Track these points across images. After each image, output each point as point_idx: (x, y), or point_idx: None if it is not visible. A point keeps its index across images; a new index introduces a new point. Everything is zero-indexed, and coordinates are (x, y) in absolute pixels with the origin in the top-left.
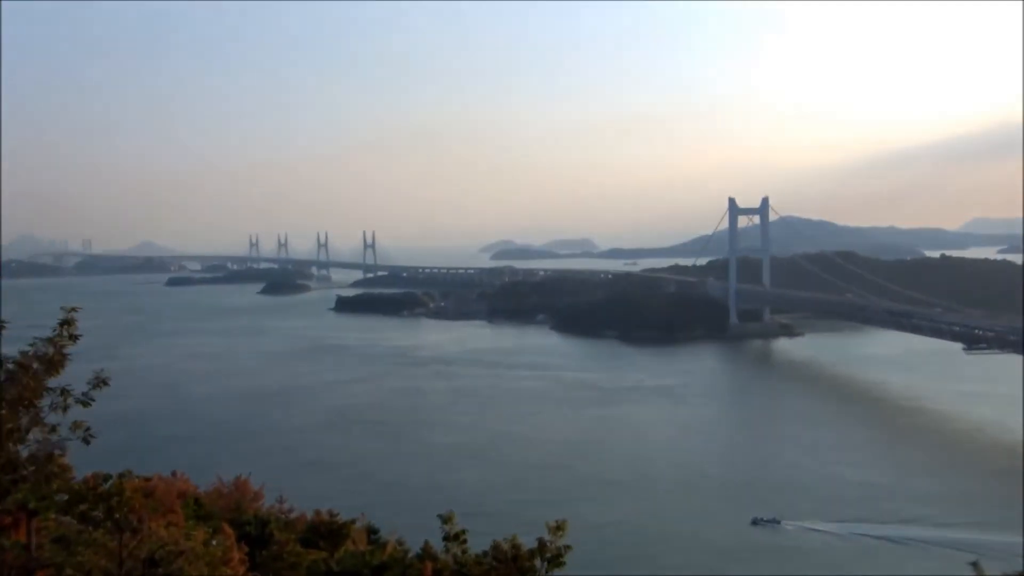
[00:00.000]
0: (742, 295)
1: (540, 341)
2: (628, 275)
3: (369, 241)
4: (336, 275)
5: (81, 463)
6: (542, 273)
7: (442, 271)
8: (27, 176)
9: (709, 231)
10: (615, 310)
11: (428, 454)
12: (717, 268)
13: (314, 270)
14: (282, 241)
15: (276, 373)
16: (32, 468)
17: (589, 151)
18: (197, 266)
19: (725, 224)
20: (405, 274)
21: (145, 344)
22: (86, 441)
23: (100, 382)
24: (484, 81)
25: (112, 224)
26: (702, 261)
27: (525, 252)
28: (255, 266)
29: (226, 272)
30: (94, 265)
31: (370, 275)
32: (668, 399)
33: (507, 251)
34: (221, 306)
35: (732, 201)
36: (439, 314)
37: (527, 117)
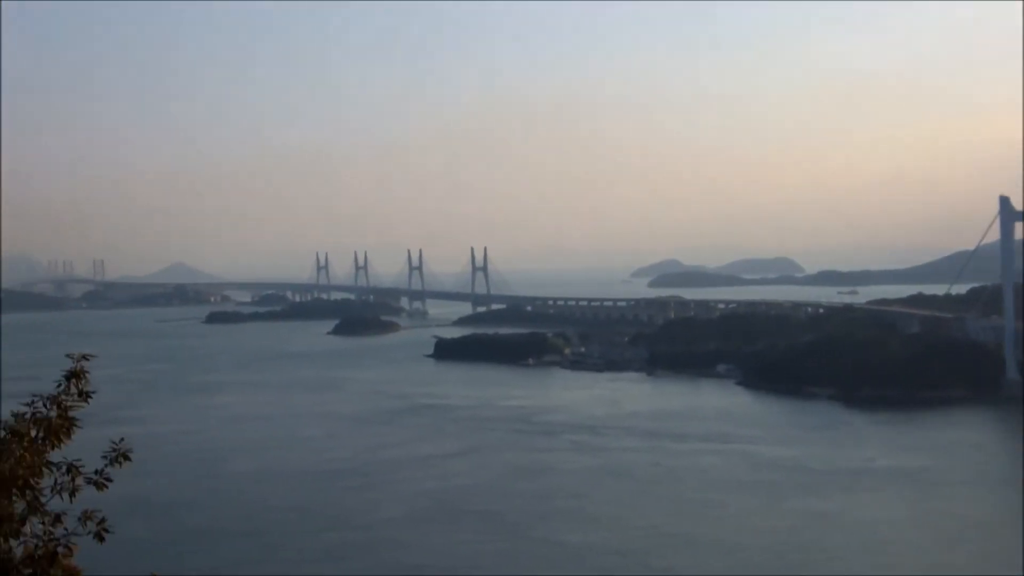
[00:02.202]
0: None
1: (721, 401)
2: (847, 309)
3: (480, 263)
4: (434, 308)
5: (91, 564)
6: (722, 306)
7: (581, 304)
8: (22, 184)
9: (969, 246)
10: (829, 358)
11: (558, 559)
12: (983, 299)
13: (404, 302)
14: (360, 262)
15: (351, 443)
16: (28, 572)
17: (787, 141)
18: (246, 296)
19: (994, 235)
20: (530, 308)
21: (176, 403)
22: (100, 537)
23: (120, 456)
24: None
25: (131, 242)
26: (959, 288)
27: (697, 277)
28: (324, 296)
29: (285, 305)
30: (108, 295)
31: (481, 309)
32: (914, 488)
33: (671, 276)
34: (278, 351)
35: (1005, 201)
36: (578, 363)
37: (699, 92)
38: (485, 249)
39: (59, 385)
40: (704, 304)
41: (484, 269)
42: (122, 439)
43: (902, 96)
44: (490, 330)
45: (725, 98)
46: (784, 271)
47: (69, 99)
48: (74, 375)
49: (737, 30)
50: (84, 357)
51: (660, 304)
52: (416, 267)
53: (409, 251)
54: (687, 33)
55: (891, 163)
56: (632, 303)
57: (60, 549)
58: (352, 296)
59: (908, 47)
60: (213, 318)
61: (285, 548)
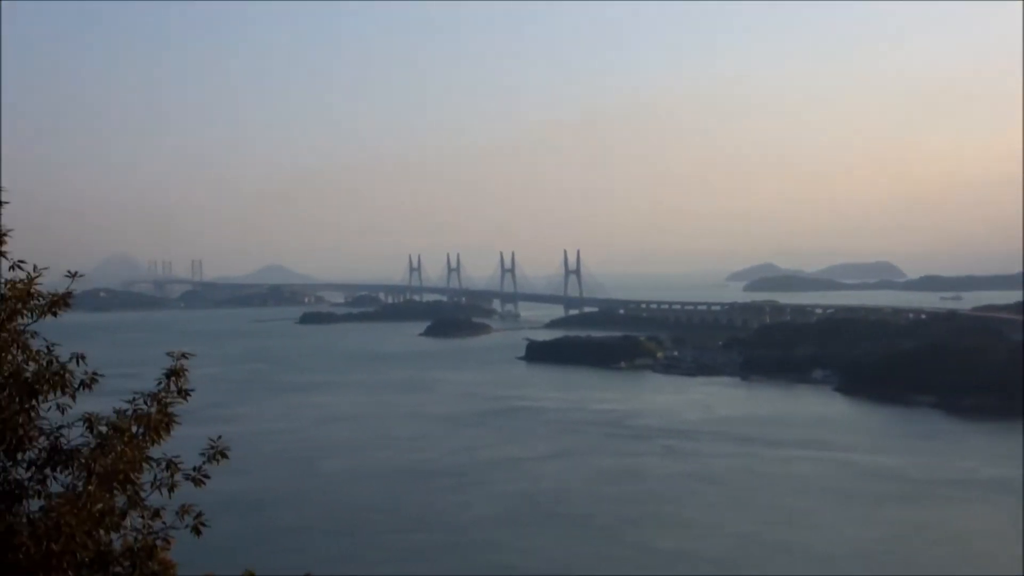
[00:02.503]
0: None
1: (818, 408)
2: (951, 315)
3: (572, 265)
4: (526, 311)
5: (185, 559)
6: (820, 311)
7: (674, 307)
8: (119, 182)
9: None
10: (931, 366)
11: (649, 565)
12: None
13: (496, 304)
14: (452, 264)
15: (442, 444)
16: (127, 564)
17: (881, 142)
18: (339, 297)
19: None
20: (623, 311)
21: (269, 401)
22: (197, 531)
23: (217, 453)
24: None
25: (228, 243)
26: None
27: (793, 281)
28: (416, 298)
29: (378, 306)
30: (205, 295)
31: (573, 312)
32: (1017, 499)
33: (768, 280)
34: (371, 351)
35: None
36: (671, 367)
37: (797, 94)
38: (578, 252)
39: (159, 383)
40: (800, 309)
41: (577, 272)
42: (219, 437)
43: (999, 97)
44: (582, 333)
45: (821, 100)
46: (884, 276)
47: (172, 101)
48: (174, 373)
49: (829, 32)
50: (183, 355)
51: (755, 308)
52: (508, 269)
53: (501, 253)
54: (778, 35)
55: (993, 166)
56: (726, 307)
57: (158, 542)
58: (444, 298)
59: (1004, 47)
60: (307, 319)
61: (374, 547)
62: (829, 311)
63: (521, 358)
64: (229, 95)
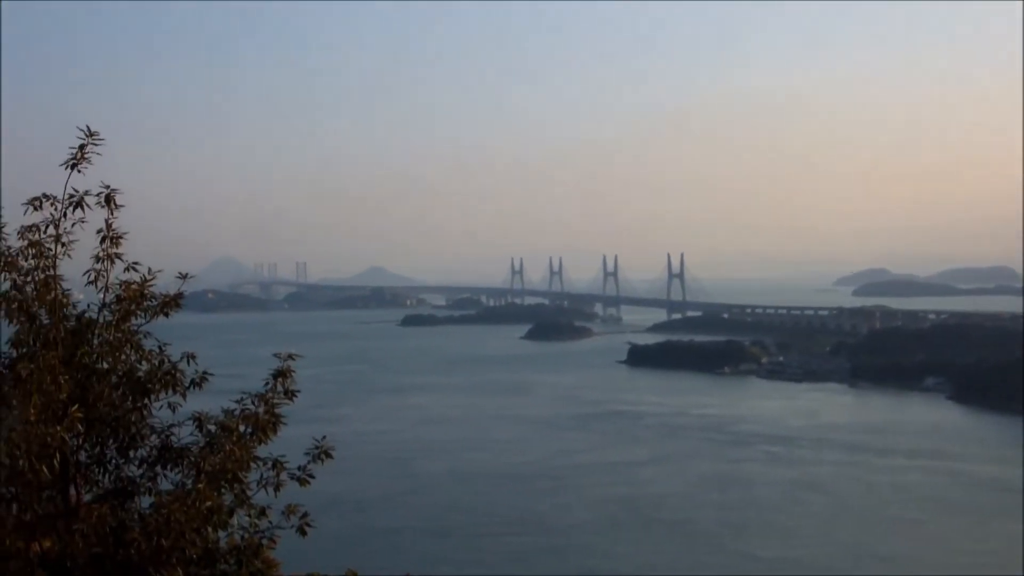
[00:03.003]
0: None
1: (929, 416)
2: None
3: (676, 269)
4: (629, 315)
5: (287, 557)
6: (933, 317)
7: (780, 312)
8: (226, 185)
9: None
10: None
11: (755, 573)
12: None
13: (598, 308)
14: (555, 267)
15: (541, 447)
16: (233, 562)
17: (996, 141)
18: (441, 300)
19: None
20: (727, 316)
21: (369, 403)
22: (302, 531)
23: (322, 453)
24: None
25: (332, 245)
26: None
27: (905, 286)
28: (518, 301)
29: (479, 308)
30: (309, 297)
31: (676, 316)
32: None
33: (878, 285)
34: (471, 354)
35: None
36: (775, 372)
37: (902, 96)
38: (682, 255)
39: (266, 383)
40: (912, 314)
41: (680, 276)
42: (324, 437)
43: None
44: (685, 337)
45: (939, 103)
46: (1002, 280)
47: (281, 105)
48: (280, 374)
49: (928, 31)
50: (290, 357)
51: (864, 313)
52: (611, 273)
53: (604, 257)
54: (884, 36)
55: None
56: (834, 312)
57: (263, 541)
58: (546, 301)
59: None
60: (409, 321)
61: (472, 549)
62: (943, 317)
63: (623, 362)
64: (330, 99)
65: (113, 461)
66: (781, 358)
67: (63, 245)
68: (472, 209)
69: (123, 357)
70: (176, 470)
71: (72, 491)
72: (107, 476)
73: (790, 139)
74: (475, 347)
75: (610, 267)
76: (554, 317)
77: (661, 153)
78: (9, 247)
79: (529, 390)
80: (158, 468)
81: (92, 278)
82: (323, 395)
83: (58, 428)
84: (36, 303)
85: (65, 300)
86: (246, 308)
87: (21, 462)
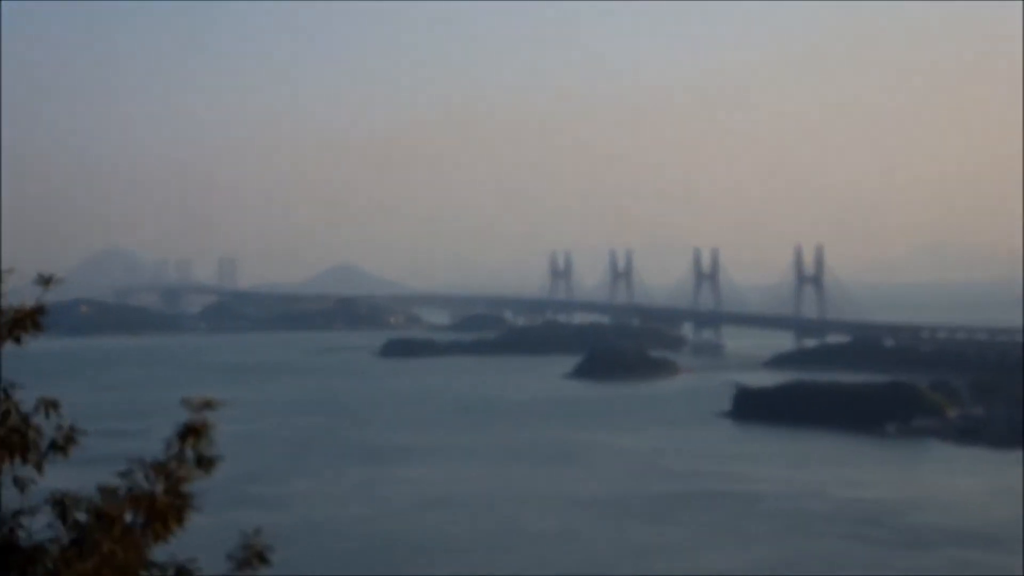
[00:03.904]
0: None
1: None
2: None
3: (809, 269)
4: (735, 340)
5: None
6: None
7: (976, 337)
8: (116, 139)
9: None
10: None
11: None
12: None
13: (687, 329)
14: (619, 267)
15: (600, 545)
16: None
17: None
18: (442, 317)
19: None
20: (891, 341)
21: (341, 475)
22: None
23: (255, 556)
24: None
25: (278, 233)
26: None
27: None
28: (561, 318)
29: (501, 330)
30: (239, 311)
31: (810, 341)
32: None
33: None
34: (492, 399)
35: None
36: (969, 432)
37: None
38: (818, 249)
39: (169, 446)
40: None
41: (816, 279)
42: (258, 530)
43: None
44: (823, 375)
45: None
46: None
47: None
48: (191, 431)
49: None
50: (207, 404)
51: None
52: (707, 275)
53: (697, 251)
54: None
55: None
56: None
57: None
58: (605, 318)
59: None
60: (394, 349)
61: None
62: None
63: (726, 414)
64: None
65: None
66: (979, 410)
67: None
68: (490, 181)
69: None
70: None
71: None
72: None
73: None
74: (496, 389)
75: (706, 266)
76: (618, 343)
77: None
78: None
79: (581, 456)
80: None
81: None
82: (262, 463)
83: None
84: None
85: None
86: (141, 328)
87: None
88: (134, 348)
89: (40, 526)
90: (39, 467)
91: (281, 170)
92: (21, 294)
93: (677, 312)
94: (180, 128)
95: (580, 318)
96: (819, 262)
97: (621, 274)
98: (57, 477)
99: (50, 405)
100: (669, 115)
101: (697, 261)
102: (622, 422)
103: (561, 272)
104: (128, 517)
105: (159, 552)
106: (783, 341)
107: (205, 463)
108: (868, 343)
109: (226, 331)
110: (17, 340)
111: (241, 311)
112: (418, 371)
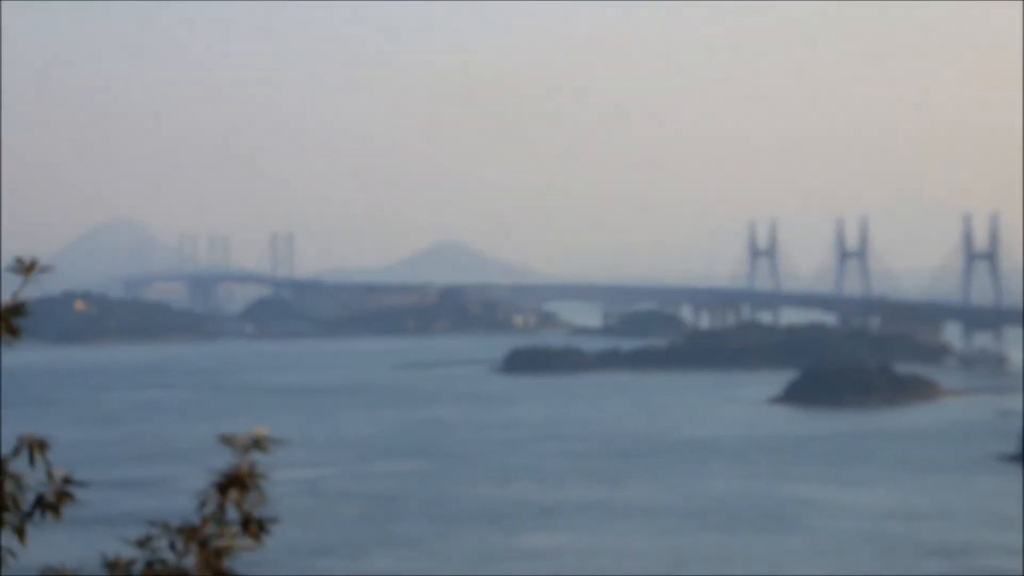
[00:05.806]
0: None
1: None
2: None
3: None
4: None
5: None
6: None
7: None
8: (128, 81)
9: None
10: None
11: None
12: None
13: (950, 332)
14: (848, 244)
15: None
16: None
17: None
18: (592, 316)
19: None
20: None
21: (440, 542)
22: None
23: None
24: None
25: (352, 199)
26: None
27: None
28: (764, 319)
29: (674, 334)
30: (300, 310)
31: None
32: None
33: None
34: (664, 434)
35: None
36: None
37: None
38: None
39: (204, 503)
40: None
41: None
42: None
43: None
44: None
45: None
46: None
47: None
48: (234, 482)
49: None
50: (256, 443)
51: None
52: (981, 255)
53: (967, 218)
54: None
55: None
56: None
57: None
58: (829, 317)
59: None
60: (519, 362)
61: None
62: None
63: (1013, 457)
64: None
65: None
66: None
67: None
68: (651, 131)
69: None
70: None
71: None
72: None
73: None
74: (669, 421)
75: (977, 240)
76: (849, 354)
77: None
78: None
79: (794, 518)
80: None
81: None
82: (334, 527)
83: None
84: None
85: None
86: (160, 331)
87: None
88: (151, 360)
89: None
90: (20, 533)
91: (355, 117)
92: None
93: (934, 307)
94: (205, 57)
95: (792, 316)
96: None
97: (851, 253)
98: (47, 546)
99: (36, 445)
100: None
101: (968, 234)
102: (856, 469)
103: (763, 251)
104: None
105: None
106: None
107: (254, 527)
108: None
109: (280, 336)
110: None
111: (301, 308)
112: (556, 394)
